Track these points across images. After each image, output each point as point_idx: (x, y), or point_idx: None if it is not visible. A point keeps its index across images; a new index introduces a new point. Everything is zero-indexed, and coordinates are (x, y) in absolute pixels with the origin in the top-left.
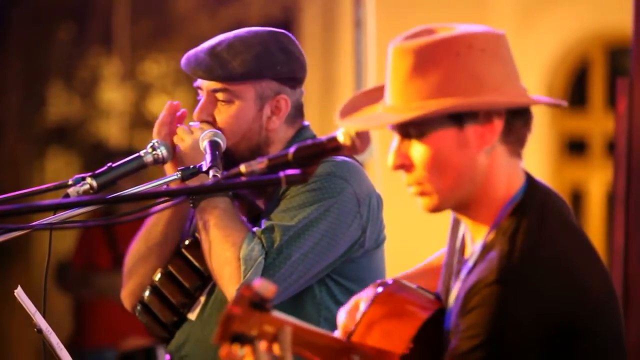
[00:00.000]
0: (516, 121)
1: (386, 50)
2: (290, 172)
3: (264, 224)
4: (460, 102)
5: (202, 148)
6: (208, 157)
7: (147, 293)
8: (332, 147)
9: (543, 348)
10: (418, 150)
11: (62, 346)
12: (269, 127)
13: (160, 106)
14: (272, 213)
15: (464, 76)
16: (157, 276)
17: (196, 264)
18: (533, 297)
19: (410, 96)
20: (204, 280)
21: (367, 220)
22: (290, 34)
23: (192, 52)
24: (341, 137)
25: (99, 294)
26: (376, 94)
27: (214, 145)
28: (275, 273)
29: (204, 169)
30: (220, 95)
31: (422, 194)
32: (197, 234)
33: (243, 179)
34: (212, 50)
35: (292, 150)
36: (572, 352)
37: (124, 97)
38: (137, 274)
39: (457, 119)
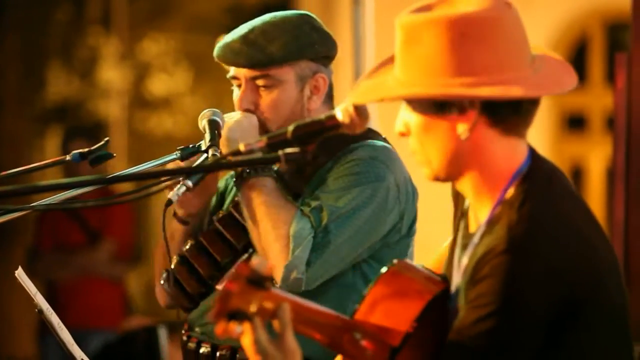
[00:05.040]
0: (501, 109)
1: (385, 27)
2: (289, 150)
3: (312, 203)
4: (426, 91)
5: (200, 127)
6: (207, 136)
7: (175, 262)
8: (330, 124)
9: (552, 316)
10: (410, 120)
11: (62, 326)
12: (310, 107)
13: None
14: (317, 193)
15: (441, 59)
16: (187, 246)
17: (229, 237)
18: (542, 265)
19: (403, 69)
20: (236, 254)
21: (405, 206)
22: (314, 16)
23: (223, 43)
24: (340, 114)
25: (77, 274)
26: None
27: (212, 124)
28: (322, 253)
29: (204, 147)
30: (261, 82)
31: (419, 162)
32: (231, 209)
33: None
34: (245, 39)
35: (291, 128)
36: (580, 320)
37: (123, 76)
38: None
39: (436, 103)
